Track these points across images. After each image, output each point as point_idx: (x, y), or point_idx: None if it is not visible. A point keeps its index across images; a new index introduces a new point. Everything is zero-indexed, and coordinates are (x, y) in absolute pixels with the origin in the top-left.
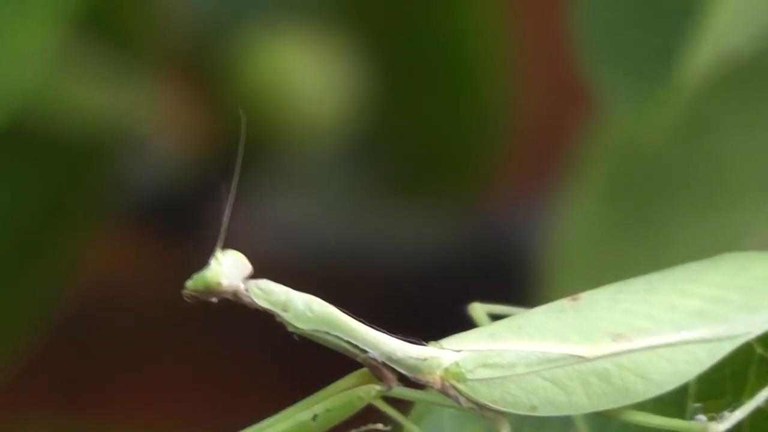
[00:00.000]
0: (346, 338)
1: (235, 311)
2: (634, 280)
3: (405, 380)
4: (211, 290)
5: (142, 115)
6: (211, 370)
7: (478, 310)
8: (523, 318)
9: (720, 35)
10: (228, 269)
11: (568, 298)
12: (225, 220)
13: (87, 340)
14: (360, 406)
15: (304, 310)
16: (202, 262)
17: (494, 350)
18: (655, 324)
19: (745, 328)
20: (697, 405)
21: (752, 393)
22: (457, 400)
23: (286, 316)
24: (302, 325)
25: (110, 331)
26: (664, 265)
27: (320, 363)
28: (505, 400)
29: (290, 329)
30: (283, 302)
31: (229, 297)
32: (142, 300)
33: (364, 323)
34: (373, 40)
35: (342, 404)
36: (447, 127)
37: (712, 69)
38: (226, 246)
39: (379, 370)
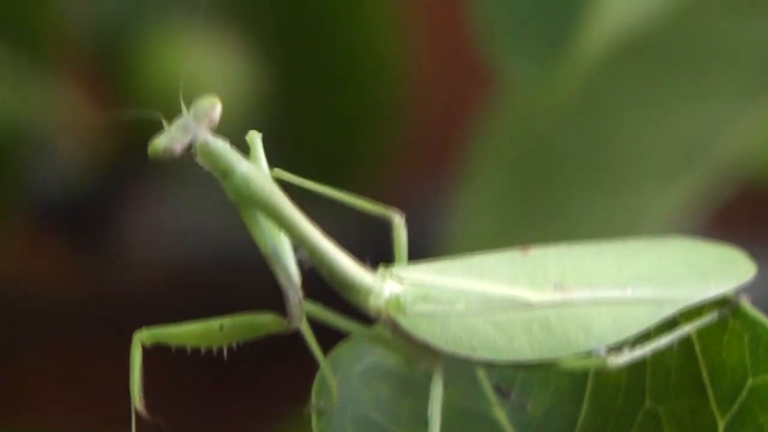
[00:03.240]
0: (281, 227)
1: (146, 311)
2: (585, 244)
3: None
4: (158, 158)
5: (46, 115)
6: (116, 371)
7: None
8: (473, 259)
9: (614, 10)
10: (176, 130)
11: (518, 248)
12: (183, 72)
13: None
14: (262, 331)
15: (241, 183)
16: (106, 262)
17: (437, 285)
18: (601, 280)
19: (687, 296)
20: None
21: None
22: (392, 333)
23: (224, 184)
24: (236, 198)
25: (15, 330)
26: None
27: (226, 372)
28: (445, 338)
29: (229, 196)
30: (224, 169)
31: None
32: (46, 299)
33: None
34: (272, 37)
35: (246, 323)
36: (347, 119)
37: (608, 44)
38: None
39: (288, 298)
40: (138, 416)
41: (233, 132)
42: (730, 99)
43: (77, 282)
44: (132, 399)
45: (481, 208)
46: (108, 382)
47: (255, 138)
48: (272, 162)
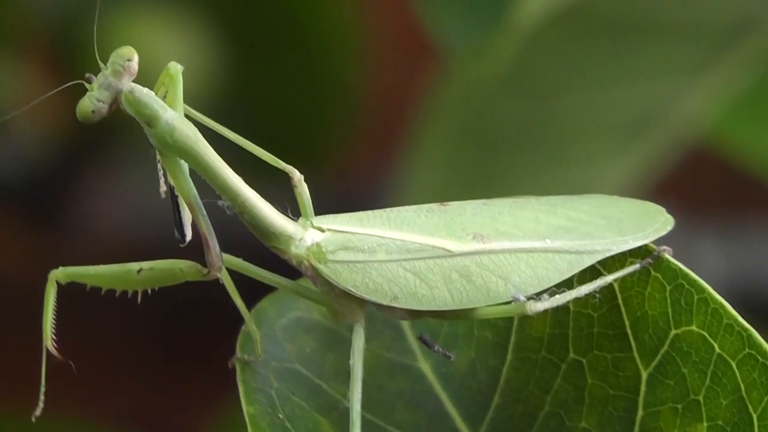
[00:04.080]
0: (204, 175)
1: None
2: (502, 198)
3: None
4: (89, 120)
5: (3, 96)
6: (75, 352)
7: None
8: (393, 211)
9: None
10: (98, 90)
11: (436, 203)
12: (94, 31)
13: None
14: (180, 278)
15: (165, 132)
16: (66, 239)
17: (357, 234)
18: (518, 231)
19: (605, 246)
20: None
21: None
22: (314, 282)
23: (148, 132)
24: (160, 146)
25: None
26: None
27: (194, 347)
28: (367, 286)
29: (153, 144)
30: (148, 116)
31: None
32: (4, 276)
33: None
34: (230, 17)
35: (164, 269)
36: (304, 96)
37: (549, 12)
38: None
39: (209, 247)
40: (50, 356)
41: (193, 108)
42: (679, 69)
43: (36, 259)
44: (44, 338)
45: (428, 176)
46: (64, 355)
47: (177, 71)
48: (231, 142)
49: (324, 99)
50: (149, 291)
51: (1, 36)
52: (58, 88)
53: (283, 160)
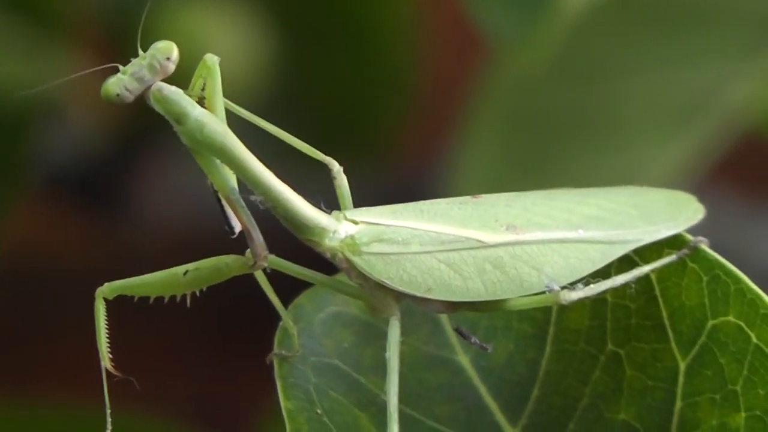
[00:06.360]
0: (235, 170)
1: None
2: (534, 191)
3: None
4: (110, 101)
5: (58, 84)
6: (131, 340)
7: None
8: (426, 204)
9: None
10: (130, 78)
11: (470, 196)
12: (143, 18)
13: (6, 309)
14: (227, 274)
15: (194, 129)
16: (120, 227)
17: (391, 226)
18: (551, 221)
19: (637, 236)
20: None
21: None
22: (348, 275)
23: (178, 130)
24: (190, 144)
25: (29, 299)
26: None
27: (255, 336)
28: (401, 278)
29: (183, 142)
30: (177, 114)
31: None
32: (60, 265)
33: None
34: (281, 7)
35: (210, 267)
36: (353, 91)
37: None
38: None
39: (252, 239)
40: (110, 375)
41: (244, 99)
42: (728, 54)
43: (90, 248)
44: (101, 357)
45: (479, 165)
46: (124, 344)
47: (213, 62)
48: (281, 128)
49: (375, 90)
50: (197, 293)
51: (54, 23)
52: (93, 69)
53: (334, 152)
